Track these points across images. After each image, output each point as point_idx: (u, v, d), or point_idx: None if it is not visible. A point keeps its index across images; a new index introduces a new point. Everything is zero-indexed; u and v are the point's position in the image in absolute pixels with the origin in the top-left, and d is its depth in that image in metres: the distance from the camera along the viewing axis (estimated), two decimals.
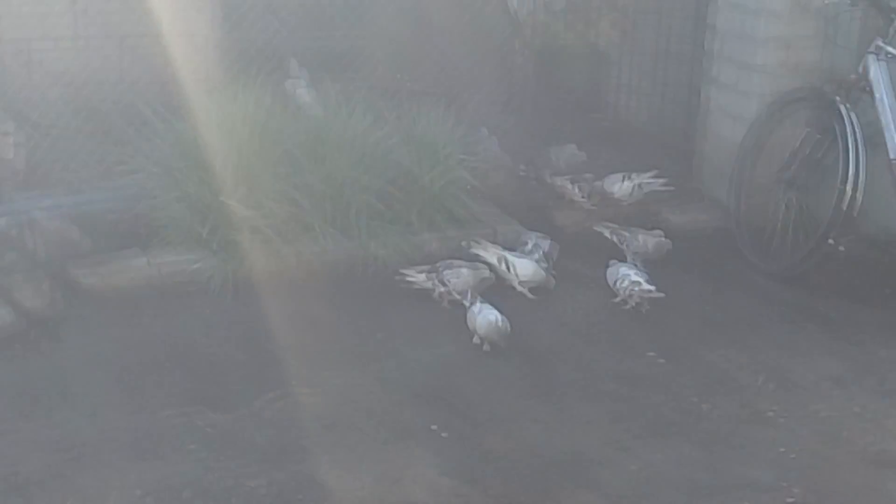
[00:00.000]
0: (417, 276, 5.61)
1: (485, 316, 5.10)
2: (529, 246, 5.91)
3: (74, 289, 5.48)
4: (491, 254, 5.72)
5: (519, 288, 5.65)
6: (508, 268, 5.66)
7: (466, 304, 5.25)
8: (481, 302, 5.21)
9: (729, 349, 5.20)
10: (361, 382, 4.83)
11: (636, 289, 5.47)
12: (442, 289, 5.52)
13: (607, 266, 5.67)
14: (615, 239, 5.99)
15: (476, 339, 5.12)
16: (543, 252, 5.85)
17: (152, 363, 4.92)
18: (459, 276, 5.53)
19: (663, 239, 5.99)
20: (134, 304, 5.42)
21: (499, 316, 5.07)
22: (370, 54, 6.98)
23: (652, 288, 5.45)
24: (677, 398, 4.77)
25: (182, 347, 5.08)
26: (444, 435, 4.45)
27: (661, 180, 6.52)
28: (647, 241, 5.95)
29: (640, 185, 6.50)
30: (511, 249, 5.81)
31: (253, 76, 6.10)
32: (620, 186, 6.52)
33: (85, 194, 5.99)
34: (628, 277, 5.52)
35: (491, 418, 4.58)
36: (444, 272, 5.55)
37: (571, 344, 5.20)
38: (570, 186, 6.56)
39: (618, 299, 5.57)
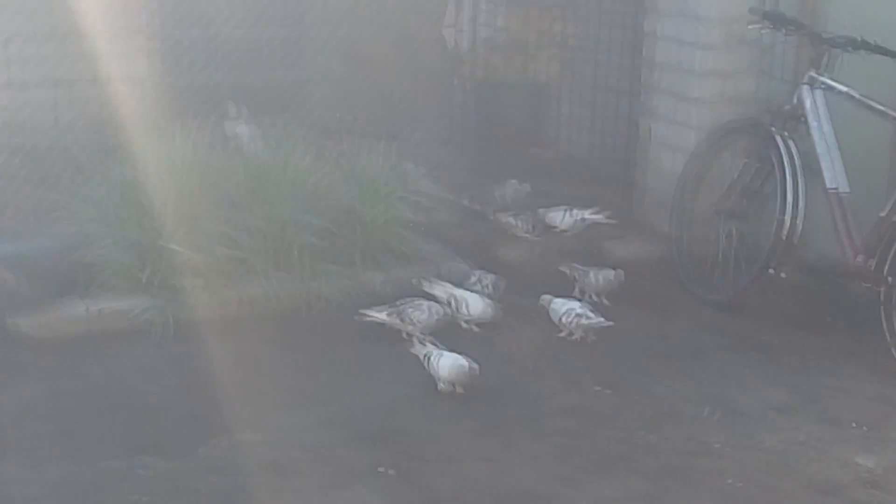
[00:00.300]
0: (378, 315, 5.55)
1: (453, 361, 4.99)
2: (472, 280, 5.90)
3: (12, 337, 5.39)
4: (440, 291, 5.69)
5: (465, 325, 5.63)
6: (458, 306, 5.63)
7: (421, 350, 5.14)
8: (435, 346, 5.14)
9: (675, 380, 5.22)
10: (307, 424, 4.78)
11: (583, 321, 5.48)
12: (409, 327, 5.46)
13: (547, 302, 5.68)
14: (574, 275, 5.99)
15: (441, 386, 5.01)
16: (490, 286, 5.85)
17: (93, 411, 4.84)
18: (423, 312, 5.49)
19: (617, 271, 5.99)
20: (74, 352, 5.33)
21: (467, 360, 4.99)
22: (310, 93, 6.97)
23: (600, 319, 5.48)
24: (625, 432, 4.77)
25: (123, 394, 5.00)
26: (392, 476, 4.41)
27: (602, 214, 6.54)
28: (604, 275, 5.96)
29: (582, 219, 6.53)
30: (458, 286, 5.80)
31: (192, 117, 6.06)
32: (563, 219, 6.54)
33: (21, 240, 5.91)
34: (573, 311, 5.54)
35: (439, 458, 4.54)
36: (406, 309, 5.51)
37: (518, 380, 5.19)
38: (513, 221, 6.57)
39: (563, 333, 5.57)
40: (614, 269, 6.03)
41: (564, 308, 5.57)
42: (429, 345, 5.16)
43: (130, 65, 6.29)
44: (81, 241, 5.75)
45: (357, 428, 4.76)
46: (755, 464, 4.55)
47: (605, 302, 5.89)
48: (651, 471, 4.50)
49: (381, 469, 4.44)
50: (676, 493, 4.35)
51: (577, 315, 5.52)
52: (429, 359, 5.05)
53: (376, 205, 6.08)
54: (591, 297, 5.91)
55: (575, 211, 6.54)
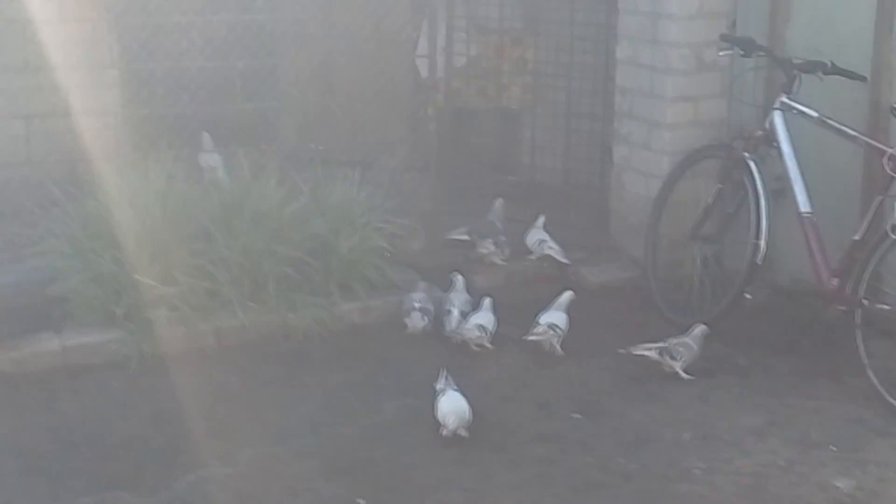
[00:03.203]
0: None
1: (458, 406, 4.87)
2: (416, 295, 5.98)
3: None
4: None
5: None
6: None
7: (438, 388, 5.05)
8: (450, 386, 5.04)
9: (653, 406, 5.22)
10: (283, 457, 4.75)
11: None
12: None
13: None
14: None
15: (445, 432, 4.86)
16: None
17: (68, 448, 4.80)
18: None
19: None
20: (48, 388, 5.29)
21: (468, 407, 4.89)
22: (283, 124, 6.96)
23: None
24: (603, 459, 4.76)
25: (98, 430, 4.96)
26: None
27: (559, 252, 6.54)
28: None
29: (541, 241, 6.57)
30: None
31: (164, 151, 6.05)
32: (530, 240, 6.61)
33: None
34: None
35: (416, 488, 4.53)
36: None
37: (495, 407, 5.17)
38: (493, 248, 6.56)
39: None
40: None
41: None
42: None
43: (103, 97, 6.28)
44: (55, 275, 5.73)
45: (333, 459, 4.74)
46: (733, 488, 4.55)
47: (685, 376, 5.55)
48: (629, 497, 4.49)
49: (358, 500, 4.42)
50: None
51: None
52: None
53: (350, 235, 6.07)
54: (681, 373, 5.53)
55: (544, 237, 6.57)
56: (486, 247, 6.58)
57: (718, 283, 6.00)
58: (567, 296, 5.87)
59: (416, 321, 5.90)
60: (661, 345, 5.54)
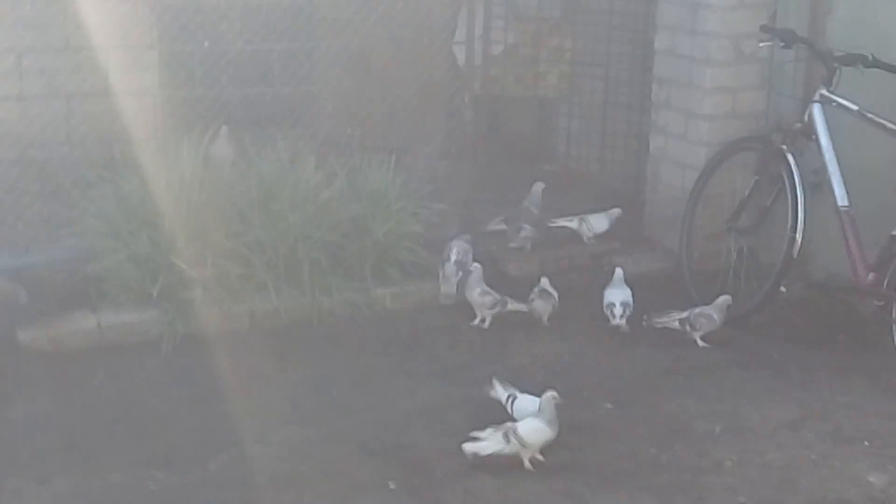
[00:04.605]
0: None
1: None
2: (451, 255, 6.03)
3: (22, 351, 5.39)
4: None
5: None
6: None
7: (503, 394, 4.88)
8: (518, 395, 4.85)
9: (685, 398, 5.20)
10: (316, 439, 4.78)
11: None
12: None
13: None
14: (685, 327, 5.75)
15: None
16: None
17: (103, 426, 4.84)
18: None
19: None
20: (83, 366, 5.34)
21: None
22: (320, 109, 6.97)
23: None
24: (635, 449, 4.76)
25: (133, 409, 5.00)
26: (400, 491, 4.40)
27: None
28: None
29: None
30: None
31: (202, 131, 6.07)
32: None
33: (32, 255, 5.91)
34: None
35: (448, 474, 4.54)
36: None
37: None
38: (529, 233, 6.55)
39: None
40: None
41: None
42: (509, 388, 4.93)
43: (142, 78, 6.29)
44: (91, 255, 5.76)
45: (365, 442, 4.76)
46: (765, 481, 4.54)
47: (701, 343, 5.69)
48: (660, 487, 4.49)
49: (391, 485, 4.44)
50: None
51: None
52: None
53: (385, 220, 6.09)
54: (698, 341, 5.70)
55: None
56: (520, 240, 6.57)
57: (753, 276, 5.98)
58: (620, 272, 5.97)
59: (450, 274, 5.96)
60: (683, 315, 5.68)
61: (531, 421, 4.58)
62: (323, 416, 4.98)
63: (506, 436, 4.54)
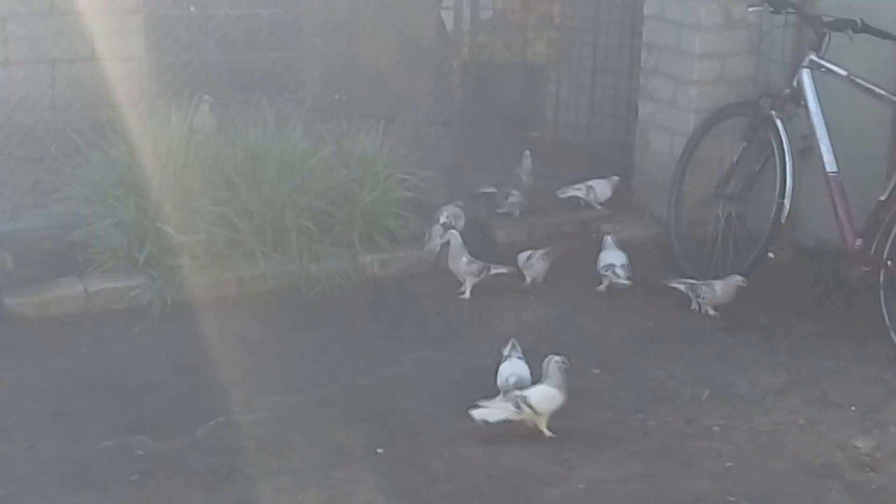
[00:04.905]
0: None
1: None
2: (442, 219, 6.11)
3: (8, 318, 5.37)
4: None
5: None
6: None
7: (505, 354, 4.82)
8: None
9: (673, 364, 5.21)
10: (303, 406, 4.78)
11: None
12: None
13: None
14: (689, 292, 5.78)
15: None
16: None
17: (90, 392, 4.83)
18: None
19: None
20: (70, 333, 5.32)
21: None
22: (307, 75, 6.93)
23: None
24: (622, 414, 4.77)
25: (120, 375, 4.99)
26: (388, 456, 4.40)
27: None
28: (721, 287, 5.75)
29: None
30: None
31: (188, 97, 6.03)
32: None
33: (18, 221, 5.89)
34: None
35: (436, 440, 4.54)
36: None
37: None
38: (517, 199, 6.57)
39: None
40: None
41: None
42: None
43: (127, 43, 6.24)
44: (78, 221, 5.74)
45: (352, 409, 4.76)
46: (751, 446, 4.55)
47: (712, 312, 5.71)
48: (647, 452, 4.50)
49: (378, 450, 4.44)
50: (672, 474, 4.35)
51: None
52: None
53: (375, 187, 6.07)
54: (707, 310, 5.71)
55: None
56: (507, 206, 6.58)
57: (741, 242, 5.98)
58: (609, 239, 6.04)
59: (436, 234, 6.01)
60: (692, 281, 5.74)
61: (542, 388, 4.55)
62: (310, 382, 4.97)
63: (516, 404, 4.51)
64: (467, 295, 5.83)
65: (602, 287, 5.92)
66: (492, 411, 4.52)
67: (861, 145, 5.81)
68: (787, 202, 5.64)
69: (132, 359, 5.14)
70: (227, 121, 6.16)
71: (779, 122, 5.75)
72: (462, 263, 5.83)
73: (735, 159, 6.06)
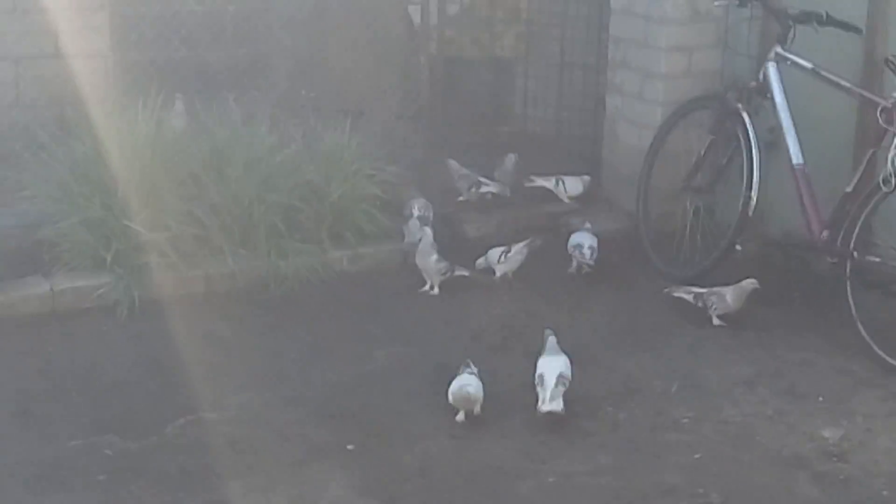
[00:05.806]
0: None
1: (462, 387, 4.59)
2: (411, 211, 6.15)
3: None
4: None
5: None
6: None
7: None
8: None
9: (643, 357, 5.23)
10: (273, 403, 4.76)
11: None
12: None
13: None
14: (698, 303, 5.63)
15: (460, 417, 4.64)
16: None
17: (58, 392, 4.80)
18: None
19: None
20: (37, 332, 5.28)
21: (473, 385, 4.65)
22: (274, 70, 6.91)
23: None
24: (593, 408, 4.77)
25: (88, 375, 4.96)
26: (358, 453, 4.40)
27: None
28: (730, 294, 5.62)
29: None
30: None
31: (154, 94, 5.99)
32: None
33: None
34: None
35: (407, 436, 4.54)
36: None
37: (485, 356, 5.16)
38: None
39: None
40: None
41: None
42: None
43: (92, 40, 6.21)
44: (44, 219, 5.70)
45: (322, 405, 4.75)
46: (721, 438, 4.57)
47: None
48: (617, 445, 4.51)
49: (349, 447, 4.44)
50: (643, 467, 4.37)
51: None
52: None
53: (341, 182, 6.05)
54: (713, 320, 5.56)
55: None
56: (469, 195, 6.64)
57: (709, 234, 6.00)
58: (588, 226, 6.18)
59: (414, 229, 6.01)
60: (699, 290, 5.62)
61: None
62: (280, 379, 4.96)
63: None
64: (436, 291, 5.82)
65: (572, 269, 5.98)
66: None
67: (827, 137, 5.83)
68: (754, 195, 5.66)
69: (100, 358, 5.11)
70: (194, 117, 6.13)
71: (745, 116, 5.78)
72: (431, 261, 5.82)
73: (702, 152, 6.09)
